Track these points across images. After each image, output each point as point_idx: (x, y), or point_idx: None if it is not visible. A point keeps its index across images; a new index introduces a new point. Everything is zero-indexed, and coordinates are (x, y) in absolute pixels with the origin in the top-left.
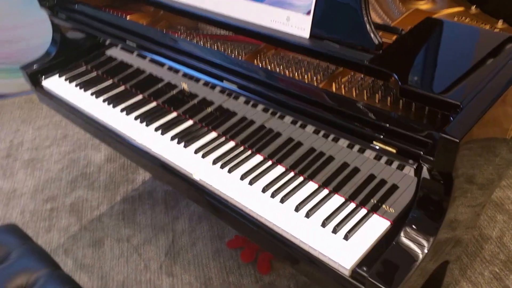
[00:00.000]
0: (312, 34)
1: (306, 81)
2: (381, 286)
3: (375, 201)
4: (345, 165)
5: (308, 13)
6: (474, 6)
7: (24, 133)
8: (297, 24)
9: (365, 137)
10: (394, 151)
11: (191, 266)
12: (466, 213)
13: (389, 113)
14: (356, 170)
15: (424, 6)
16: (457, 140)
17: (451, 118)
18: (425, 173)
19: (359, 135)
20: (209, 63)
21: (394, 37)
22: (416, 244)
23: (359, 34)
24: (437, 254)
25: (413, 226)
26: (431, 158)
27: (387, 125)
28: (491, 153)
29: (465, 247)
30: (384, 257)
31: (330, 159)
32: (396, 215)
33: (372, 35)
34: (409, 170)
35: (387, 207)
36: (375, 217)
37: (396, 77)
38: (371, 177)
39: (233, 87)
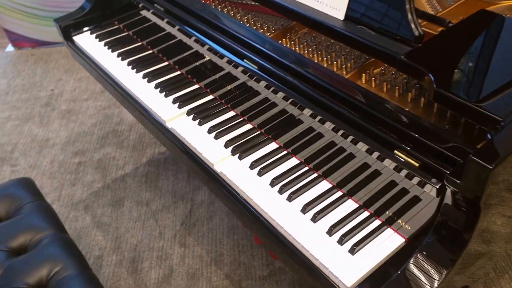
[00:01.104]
0: (347, 17)
1: (335, 68)
2: None
3: (391, 213)
4: (365, 166)
5: None
6: None
7: (66, 83)
8: (332, 4)
9: (384, 143)
10: (416, 164)
11: (204, 239)
12: (507, 225)
13: (414, 118)
14: (376, 174)
15: None
16: (490, 167)
17: (489, 136)
18: (448, 197)
19: (378, 139)
20: (231, 36)
21: (439, 29)
22: (425, 276)
23: (399, 23)
24: (466, 269)
25: (426, 254)
26: (457, 181)
27: (410, 132)
28: None
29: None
30: (388, 284)
31: (350, 157)
32: (413, 232)
33: (413, 25)
34: (431, 189)
35: (403, 223)
36: (388, 232)
37: (432, 77)
38: (392, 184)
39: (253, 67)
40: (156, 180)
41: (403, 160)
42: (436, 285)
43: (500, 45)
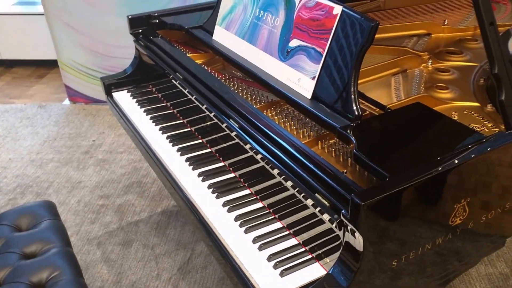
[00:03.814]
0: (312, 96)
1: (301, 136)
2: None
3: (321, 251)
4: (313, 216)
5: (314, 78)
6: (490, 105)
7: (107, 136)
8: (305, 86)
9: (309, 186)
10: (327, 204)
11: (195, 285)
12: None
13: (331, 168)
14: (321, 222)
15: (444, 95)
16: (361, 203)
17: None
18: (347, 236)
19: (305, 182)
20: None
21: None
22: None
23: (345, 103)
24: None
25: (326, 279)
26: (347, 215)
27: (330, 181)
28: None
29: None
30: None
31: (304, 207)
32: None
33: (354, 106)
34: (335, 225)
35: (328, 260)
36: (315, 265)
37: (355, 143)
38: (329, 231)
39: (235, 126)
40: (165, 228)
41: (320, 200)
42: None
43: (418, 129)
